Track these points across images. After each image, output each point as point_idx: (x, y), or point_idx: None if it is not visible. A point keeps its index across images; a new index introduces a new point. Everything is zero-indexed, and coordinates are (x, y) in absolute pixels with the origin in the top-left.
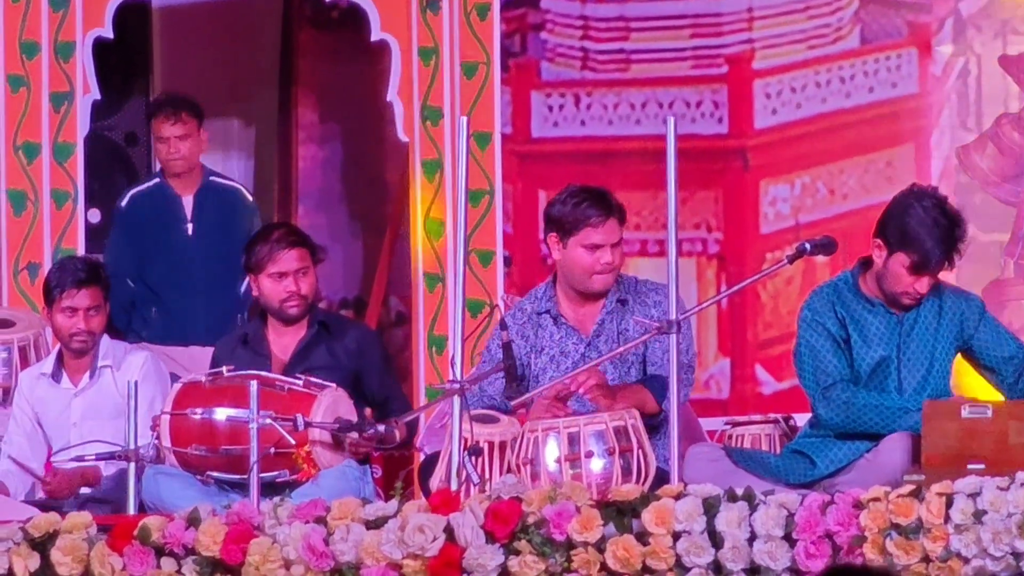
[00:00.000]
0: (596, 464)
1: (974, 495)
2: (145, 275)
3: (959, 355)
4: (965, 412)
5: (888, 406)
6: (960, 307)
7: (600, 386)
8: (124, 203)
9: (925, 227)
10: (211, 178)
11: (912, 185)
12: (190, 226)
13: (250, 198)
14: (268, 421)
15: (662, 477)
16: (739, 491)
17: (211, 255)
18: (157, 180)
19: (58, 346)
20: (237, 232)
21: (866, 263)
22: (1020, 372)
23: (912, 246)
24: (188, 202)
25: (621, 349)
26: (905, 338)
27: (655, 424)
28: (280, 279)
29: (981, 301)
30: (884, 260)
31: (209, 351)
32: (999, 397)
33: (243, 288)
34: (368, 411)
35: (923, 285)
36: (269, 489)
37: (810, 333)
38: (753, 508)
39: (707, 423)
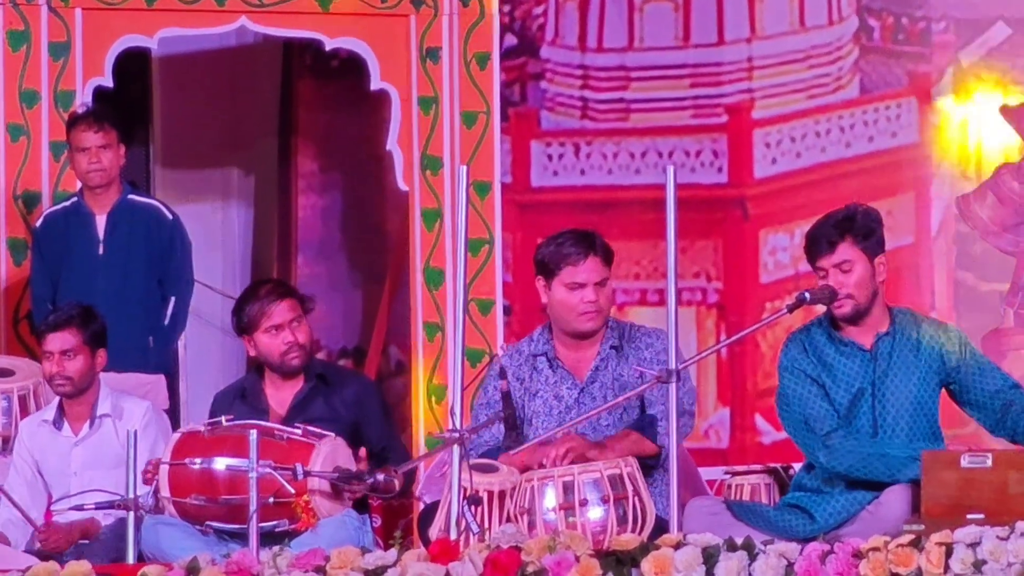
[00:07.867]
0: (593, 513)
1: (974, 545)
2: (57, 298)
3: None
4: (965, 462)
5: (894, 455)
6: (939, 339)
7: (581, 446)
8: (39, 224)
9: (817, 223)
10: (129, 196)
11: None
12: (101, 246)
13: (170, 215)
14: (267, 471)
15: (661, 526)
16: (739, 540)
17: (122, 276)
18: (75, 199)
19: None
20: (153, 252)
21: None
22: (1006, 409)
23: (809, 243)
24: (102, 221)
25: (620, 399)
26: (880, 374)
27: (656, 464)
28: (277, 332)
29: (961, 332)
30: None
31: (123, 377)
32: None
33: (168, 315)
34: (362, 450)
35: (838, 279)
36: (268, 538)
37: (792, 381)
38: (752, 558)
39: (706, 472)
